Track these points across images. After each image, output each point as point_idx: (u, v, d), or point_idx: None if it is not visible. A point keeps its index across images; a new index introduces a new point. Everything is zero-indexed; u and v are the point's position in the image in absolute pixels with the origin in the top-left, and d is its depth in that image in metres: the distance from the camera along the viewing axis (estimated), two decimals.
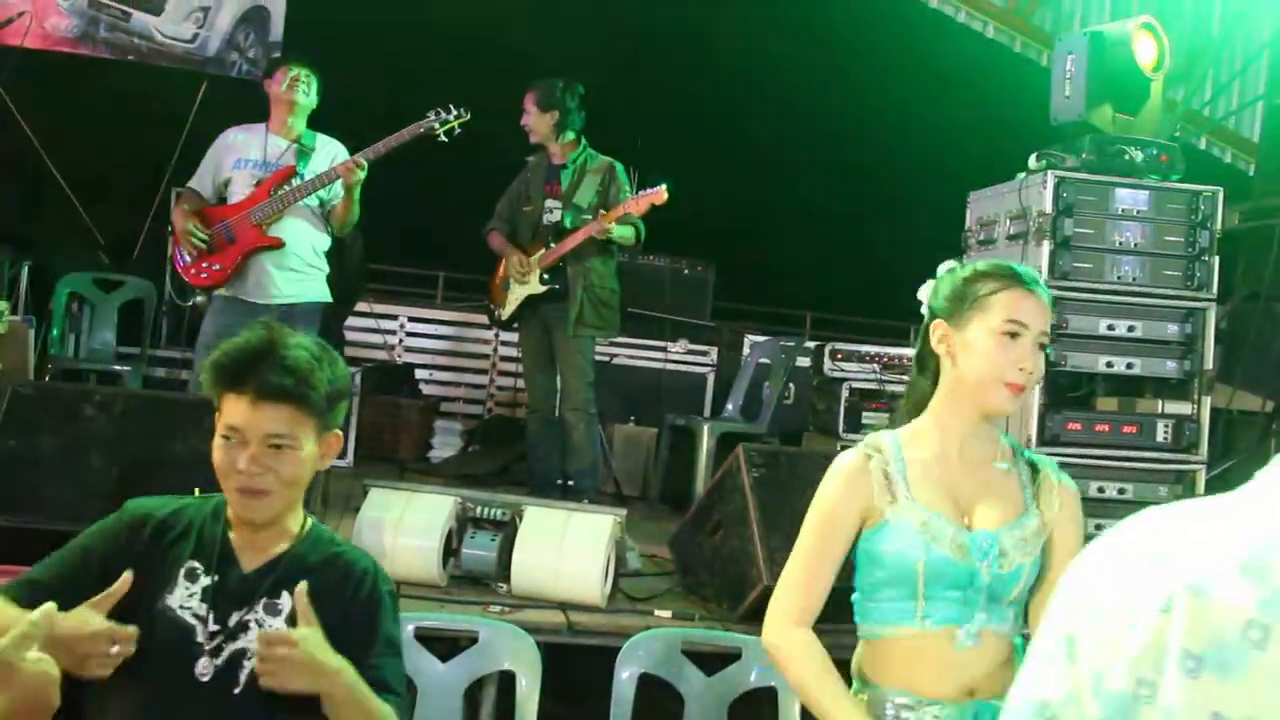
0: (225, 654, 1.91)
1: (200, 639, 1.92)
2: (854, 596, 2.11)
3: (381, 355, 7.17)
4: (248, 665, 1.90)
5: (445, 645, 2.98)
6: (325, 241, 4.70)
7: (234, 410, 1.92)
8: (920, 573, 1.98)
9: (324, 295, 4.72)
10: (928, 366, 2.14)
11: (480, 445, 6.71)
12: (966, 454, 2.07)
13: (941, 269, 2.18)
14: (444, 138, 4.64)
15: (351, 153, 4.59)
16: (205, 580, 1.95)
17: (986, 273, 2.08)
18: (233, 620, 1.93)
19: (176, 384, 6.07)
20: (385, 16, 7.41)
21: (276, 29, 7.87)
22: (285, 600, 1.96)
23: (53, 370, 5.99)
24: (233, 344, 1.97)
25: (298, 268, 4.59)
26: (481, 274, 5.51)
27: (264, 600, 1.97)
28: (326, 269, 4.73)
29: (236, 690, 1.90)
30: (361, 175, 4.46)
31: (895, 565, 2.00)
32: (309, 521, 2.07)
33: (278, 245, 4.52)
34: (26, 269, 6.18)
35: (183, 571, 1.96)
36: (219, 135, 4.74)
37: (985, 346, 2.02)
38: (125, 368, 6.10)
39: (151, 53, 7.69)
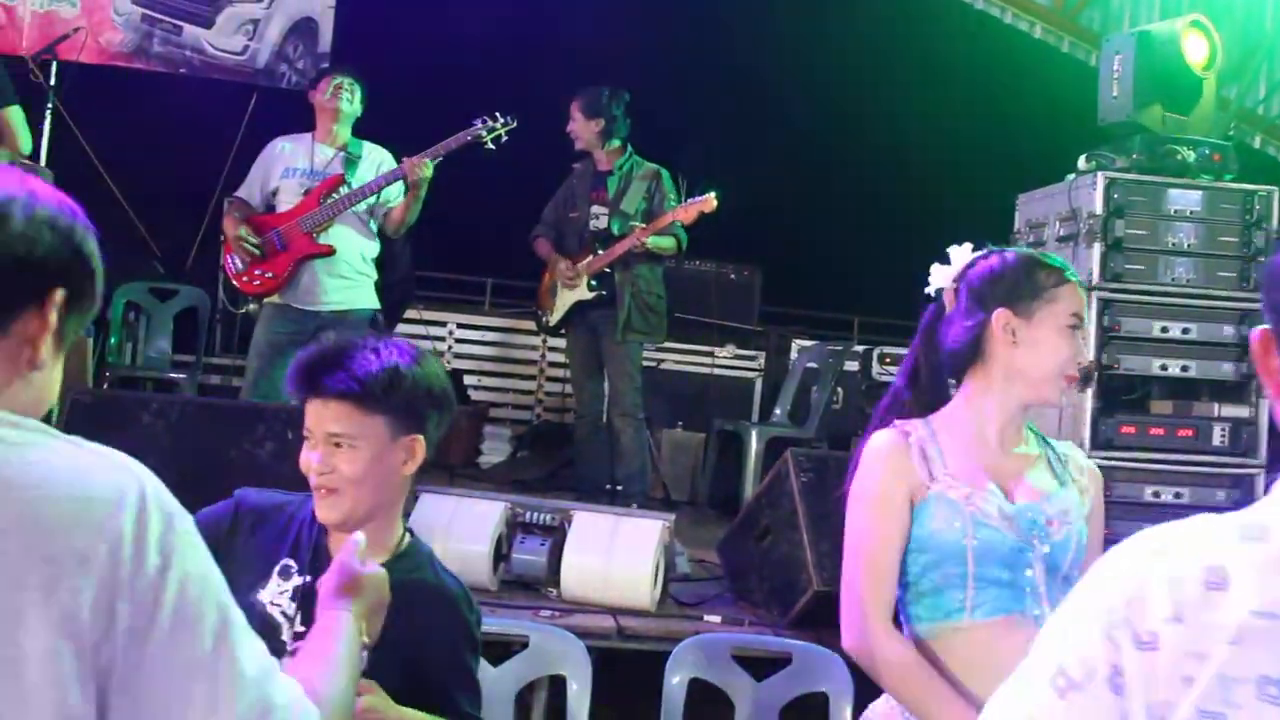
0: None
1: (285, 637, 1.94)
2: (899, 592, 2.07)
3: None
4: None
5: (496, 650, 3.01)
6: (374, 249, 4.76)
7: (308, 412, 1.97)
8: (969, 549, 1.95)
9: (373, 302, 4.77)
10: (963, 362, 2.08)
11: (529, 451, 6.74)
12: (1002, 439, 2.06)
13: (963, 253, 2.15)
14: (491, 145, 4.68)
15: (398, 162, 4.65)
16: (297, 580, 1.97)
17: (1045, 264, 2.07)
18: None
19: (230, 390, 6.14)
20: (432, 26, 7.47)
21: (325, 40, 7.97)
22: None
23: (111, 378, 6.09)
24: (308, 350, 2.03)
25: (348, 275, 4.65)
26: (529, 280, 5.55)
27: None
28: (375, 276, 4.79)
29: None
30: (427, 173, 4.49)
31: (941, 546, 1.96)
32: (407, 539, 2.07)
33: (328, 252, 4.58)
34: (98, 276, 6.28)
35: (277, 568, 1.99)
36: (267, 146, 4.81)
37: (1053, 340, 2.01)
38: (181, 375, 6.19)
39: (203, 65, 7.82)
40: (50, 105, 6.31)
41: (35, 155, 5.69)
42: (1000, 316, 2.03)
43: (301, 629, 1.94)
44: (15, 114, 4.71)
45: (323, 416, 1.94)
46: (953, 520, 1.96)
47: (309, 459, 1.96)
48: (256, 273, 4.63)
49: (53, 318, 1.13)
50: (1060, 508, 2.02)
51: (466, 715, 1.98)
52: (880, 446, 2.04)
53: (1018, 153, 6.02)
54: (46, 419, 1.16)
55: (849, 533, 2.05)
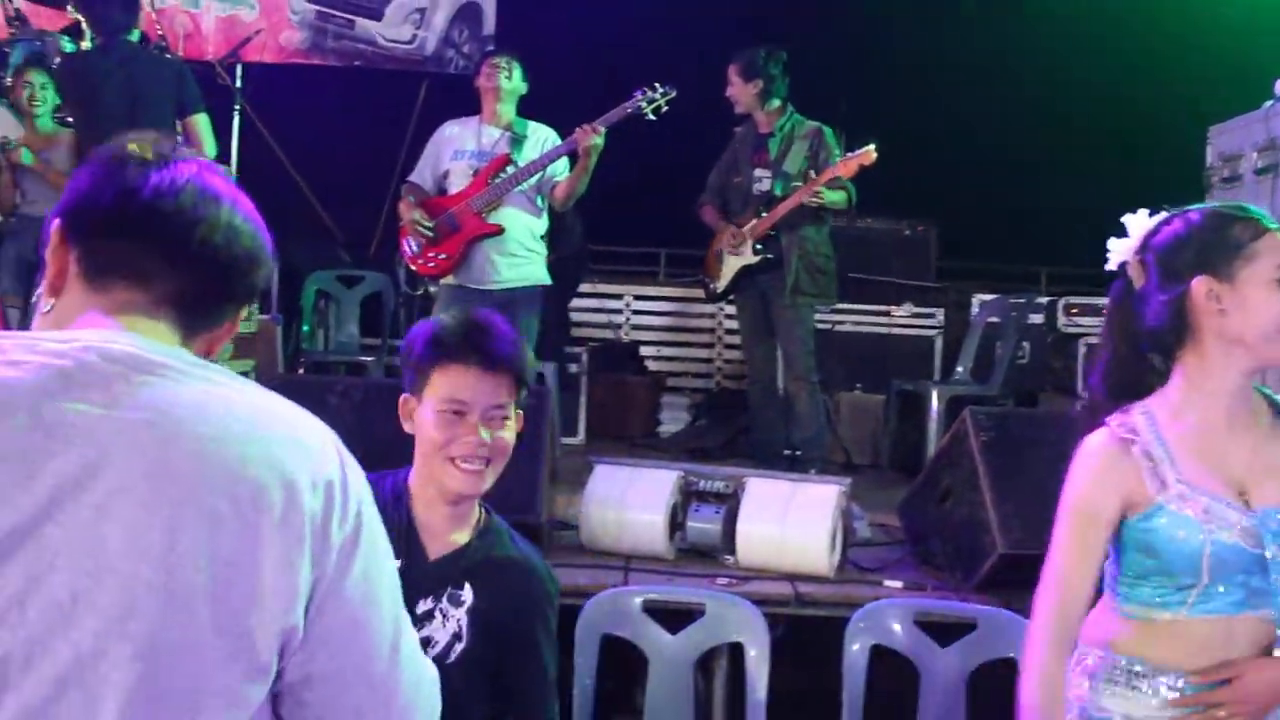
0: None
1: None
2: (1109, 568, 1.96)
3: (608, 335, 7.30)
4: (430, 653, 1.92)
5: (673, 618, 3.02)
6: (542, 225, 4.83)
7: (458, 382, 1.97)
8: (1205, 562, 1.82)
9: (543, 278, 4.84)
10: (1169, 339, 1.91)
11: (707, 419, 6.74)
12: (1232, 418, 1.89)
13: (1141, 221, 1.98)
14: (652, 116, 4.67)
15: (563, 138, 4.69)
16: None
17: (1236, 217, 1.88)
18: (419, 608, 1.97)
19: None
20: (593, 4, 7.51)
21: (488, 23, 8.11)
22: (468, 592, 2.00)
23: (305, 363, 6.39)
24: (450, 319, 2.05)
25: (517, 252, 4.72)
26: (702, 249, 5.52)
27: (449, 590, 2.01)
28: (545, 252, 4.85)
29: None
30: (598, 141, 4.52)
31: (1174, 556, 1.84)
32: (482, 513, 2.10)
33: (497, 232, 4.66)
34: (276, 270, 6.59)
35: None
36: (436, 130, 4.93)
37: (1263, 297, 1.82)
38: (369, 358, 6.44)
39: (375, 57, 8.08)
40: (238, 106, 6.63)
41: (226, 154, 6.01)
42: (1200, 285, 1.85)
43: None
44: (203, 121, 4.96)
45: (484, 387, 1.96)
46: (1186, 534, 1.83)
47: (454, 432, 1.96)
48: (431, 255, 4.75)
49: (239, 325, 1.26)
50: None
51: (549, 672, 2.06)
52: (1093, 453, 1.91)
53: (1208, 81, 5.63)
54: None
55: (1053, 538, 1.95)
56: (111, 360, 1.07)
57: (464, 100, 5.00)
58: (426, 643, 1.96)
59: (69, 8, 6.18)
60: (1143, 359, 1.97)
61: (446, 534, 2.04)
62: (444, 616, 1.99)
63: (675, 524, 3.65)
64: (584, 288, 6.98)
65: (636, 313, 7.44)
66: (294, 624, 1.08)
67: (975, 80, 7.56)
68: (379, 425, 3.54)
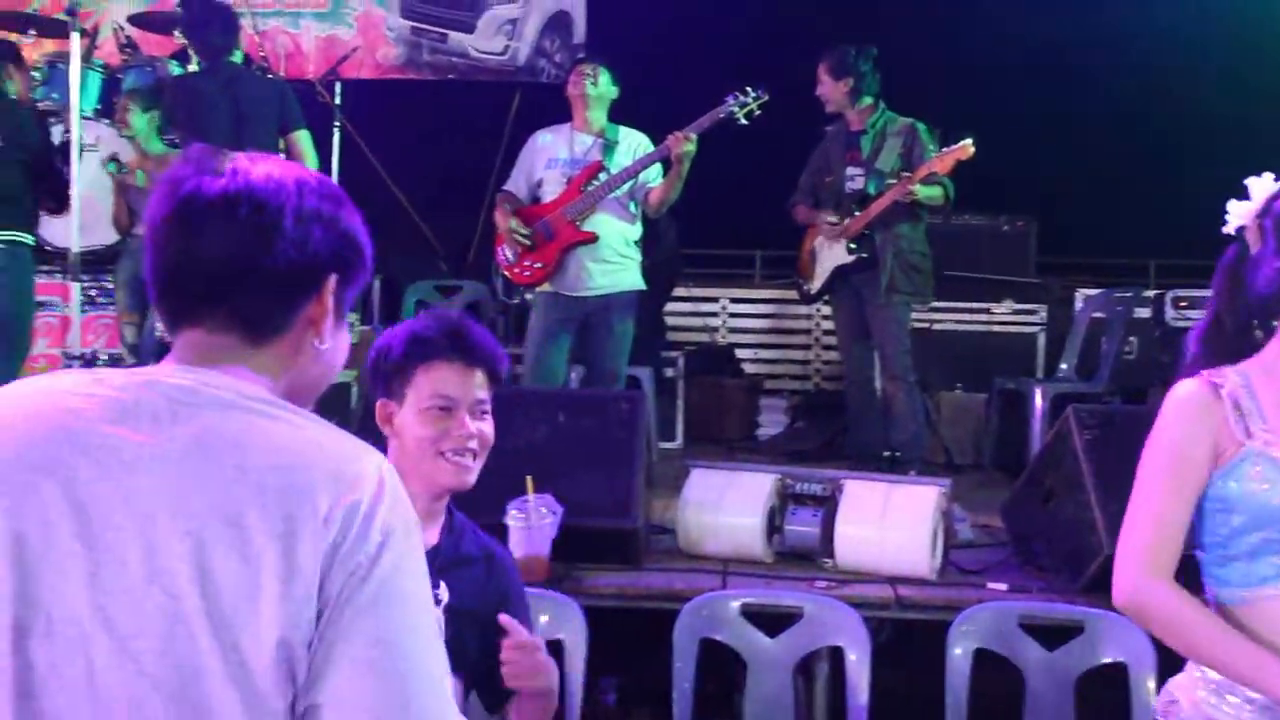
0: None
1: None
2: (1198, 554, 1.91)
3: (704, 338, 7.30)
4: None
5: (772, 621, 3.01)
6: (636, 231, 4.85)
7: (444, 379, 2.02)
8: None
9: (638, 283, 4.87)
10: (1277, 306, 1.88)
11: (805, 421, 6.69)
12: None
13: (1265, 184, 1.93)
14: (744, 120, 4.67)
15: (655, 143, 4.71)
16: None
17: None
18: None
19: (513, 379, 6.42)
20: (681, 4, 7.52)
21: (579, 31, 8.17)
22: (444, 591, 2.02)
23: None
24: (429, 319, 2.11)
25: (611, 259, 4.76)
26: (796, 250, 5.50)
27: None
28: (639, 257, 4.88)
29: None
30: (690, 148, 4.53)
31: (1259, 508, 1.79)
32: (447, 513, 2.15)
33: (591, 239, 4.70)
34: (378, 282, 6.73)
35: None
36: (529, 140, 4.98)
37: None
38: None
39: (468, 69, 8.19)
40: (338, 122, 6.79)
41: (326, 169, 6.15)
42: None
43: None
44: (304, 137, 5.15)
45: (470, 383, 2.03)
46: (1274, 481, 1.78)
47: (445, 427, 2.01)
48: (526, 263, 4.81)
49: (329, 301, 1.25)
50: None
51: None
52: (1184, 397, 1.87)
53: None
54: (345, 398, 1.27)
55: (1137, 486, 1.89)
56: (166, 393, 1.16)
57: (556, 109, 5.06)
58: None
59: (175, 33, 6.41)
60: (1245, 328, 1.93)
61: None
62: None
63: (773, 527, 3.63)
64: (679, 291, 6.98)
65: (732, 315, 7.43)
66: (296, 654, 1.08)
67: (1074, 70, 7.39)
68: None
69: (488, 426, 2.06)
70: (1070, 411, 3.50)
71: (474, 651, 2.03)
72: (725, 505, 3.62)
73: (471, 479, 2.06)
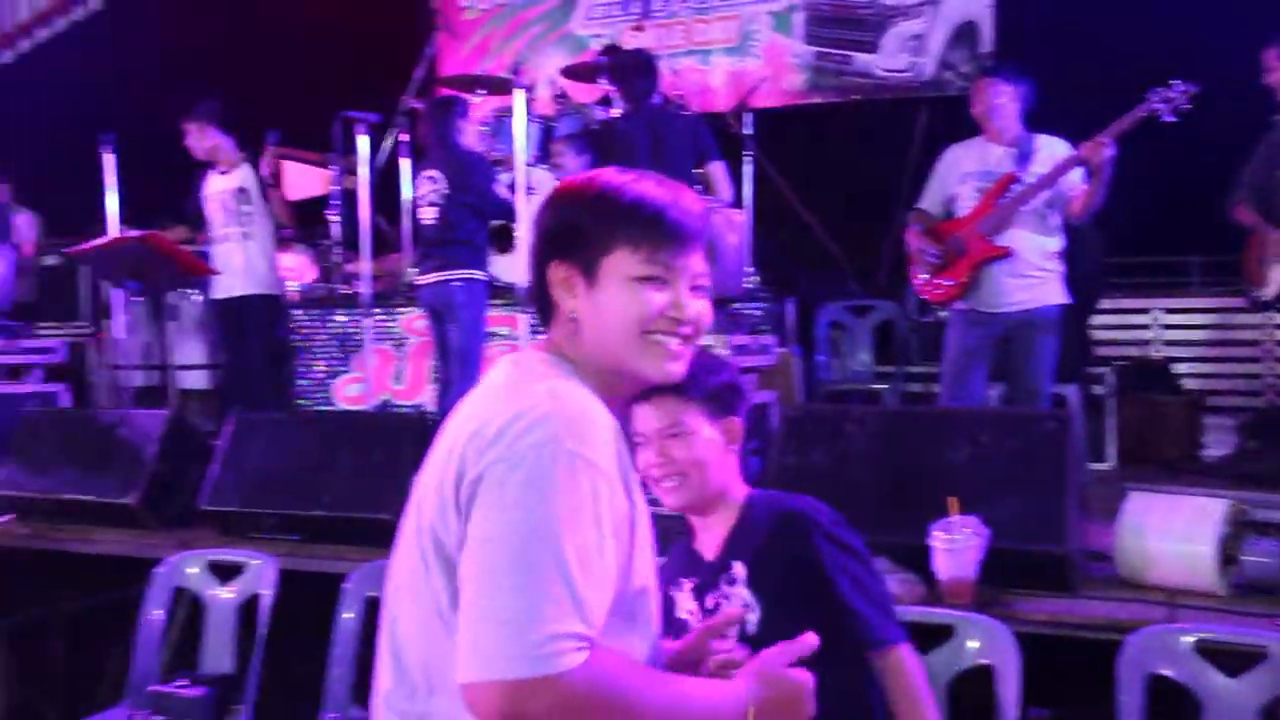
0: None
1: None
2: None
3: (1134, 352, 6.84)
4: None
5: (1230, 660, 2.75)
6: (1055, 243, 4.61)
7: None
8: None
9: (1060, 297, 4.62)
10: None
11: (1259, 441, 6.07)
12: None
13: None
14: (1171, 116, 4.33)
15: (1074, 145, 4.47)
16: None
17: None
18: (709, 604, 2.19)
19: (930, 397, 6.31)
20: (1096, 9, 7.11)
21: (986, 40, 7.93)
22: (738, 568, 2.15)
23: (821, 393, 6.56)
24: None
25: (1029, 273, 4.55)
26: (1240, 254, 5.02)
27: (722, 576, 2.19)
28: (1060, 269, 4.63)
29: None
30: (1109, 153, 4.30)
31: None
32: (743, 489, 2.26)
33: (1006, 254, 4.53)
34: (793, 304, 6.86)
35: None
36: (940, 155, 4.88)
37: None
38: (883, 386, 6.49)
39: (873, 88, 8.18)
40: (749, 152, 7.01)
41: (739, 198, 6.35)
42: None
43: (701, 615, 2.18)
44: (719, 168, 5.42)
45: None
46: None
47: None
48: (939, 281, 4.71)
49: (560, 275, 1.59)
50: None
51: (876, 634, 2.13)
52: None
53: None
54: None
55: None
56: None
57: (963, 121, 4.92)
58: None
59: (601, 80, 6.88)
60: None
61: (714, 526, 2.28)
62: (728, 601, 2.15)
63: (1227, 557, 3.31)
64: (1105, 303, 6.59)
65: (1167, 327, 6.94)
66: (448, 538, 1.46)
67: None
68: (895, 452, 3.59)
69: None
70: None
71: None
72: (1171, 531, 3.34)
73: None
